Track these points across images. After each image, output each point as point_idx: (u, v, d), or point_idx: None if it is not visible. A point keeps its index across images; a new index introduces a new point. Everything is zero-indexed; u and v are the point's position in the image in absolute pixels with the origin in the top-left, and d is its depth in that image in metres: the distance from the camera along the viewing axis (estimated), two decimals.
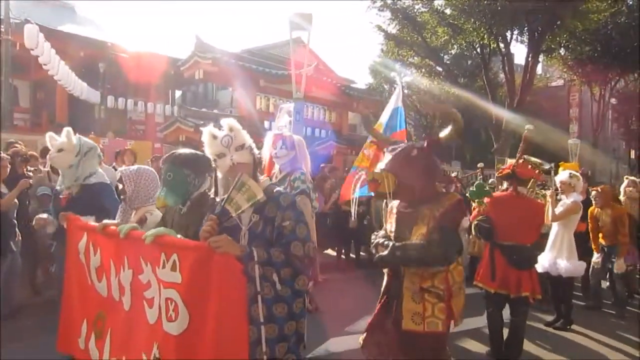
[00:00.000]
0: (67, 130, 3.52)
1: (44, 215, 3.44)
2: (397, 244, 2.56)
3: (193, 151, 2.63)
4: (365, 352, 2.79)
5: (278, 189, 2.34)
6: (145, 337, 2.14)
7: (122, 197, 3.05)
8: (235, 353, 1.93)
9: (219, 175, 2.37)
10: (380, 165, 2.68)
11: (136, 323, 2.24)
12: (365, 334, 2.82)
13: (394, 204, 2.79)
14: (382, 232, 2.85)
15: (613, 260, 5.70)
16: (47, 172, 5.78)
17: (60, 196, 3.47)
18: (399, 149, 2.67)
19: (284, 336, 2.14)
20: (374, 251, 2.73)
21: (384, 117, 5.35)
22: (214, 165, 2.38)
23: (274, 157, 3.93)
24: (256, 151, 2.39)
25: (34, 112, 17.47)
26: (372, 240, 2.81)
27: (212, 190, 2.48)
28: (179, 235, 2.21)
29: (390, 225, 2.76)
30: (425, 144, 2.71)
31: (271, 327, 2.11)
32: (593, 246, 5.88)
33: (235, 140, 2.28)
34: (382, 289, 2.81)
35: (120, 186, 3.03)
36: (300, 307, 2.22)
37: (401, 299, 2.58)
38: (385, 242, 2.62)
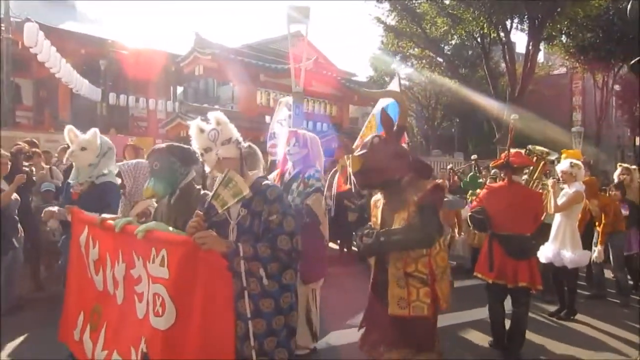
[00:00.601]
0: (94, 130, 3.56)
1: (54, 208, 3.48)
2: (380, 230, 2.62)
3: (175, 143, 2.67)
4: (364, 351, 2.83)
5: (266, 182, 2.34)
6: (135, 331, 2.18)
7: (121, 191, 3.08)
8: (221, 348, 1.96)
9: (207, 169, 2.39)
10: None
11: (127, 317, 2.28)
12: (362, 332, 2.87)
13: (378, 197, 2.85)
14: (368, 226, 2.89)
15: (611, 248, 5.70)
16: (49, 168, 5.83)
17: (72, 191, 3.52)
18: (362, 149, 2.74)
19: (273, 331, 2.15)
20: (359, 242, 2.77)
21: (377, 109, 5.33)
22: (200, 160, 2.39)
23: (287, 155, 3.90)
24: (244, 145, 2.39)
25: (37, 109, 17.56)
26: (358, 234, 2.86)
27: (200, 182, 2.50)
28: (170, 228, 2.23)
29: (376, 219, 2.81)
30: (383, 132, 2.78)
31: (259, 322, 2.12)
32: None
33: (222, 135, 2.29)
34: (371, 280, 2.86)
35: (119, 181, 3.06)
36: (288, 302, 2.21)
37: (387, 285, 2.63)
38: (369, 232, 2.68)
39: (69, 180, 3.67)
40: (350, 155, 2.65)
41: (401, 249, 2.60)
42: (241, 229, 2.22)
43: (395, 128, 2.76)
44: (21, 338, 4.17)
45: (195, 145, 2.36)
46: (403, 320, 2.58)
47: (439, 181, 2.77)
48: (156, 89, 18.54)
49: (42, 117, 17.01)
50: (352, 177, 2.65)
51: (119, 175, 3.03)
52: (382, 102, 5.41)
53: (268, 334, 2.13)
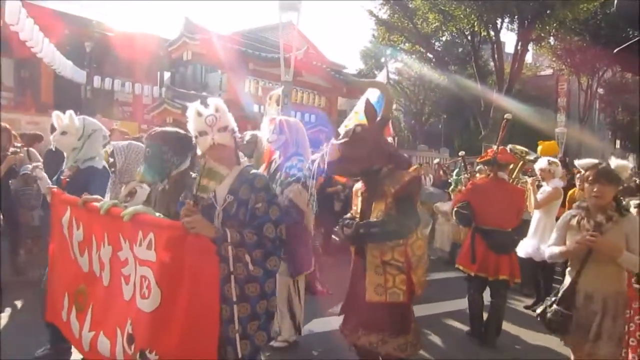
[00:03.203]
0: (69, 113, 3.45)
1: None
2: (360, 222, 2.70)
3: (176, 129, 2.62)
4: (344, 335, 2.91)
5: (254, 171, 2.37)
6: (121, 312, 2.18)
7: (112, 169, 3.05)
8: (206, 331, 1.97)
9: (199, 152, 2.39)
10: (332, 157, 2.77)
11: (114, 298, 2.27)
12: (342, 318, 2.95)
13: (359, 186, 2.92)
14: (349, 215, 2.97)
15: None
16: (26, 151, 5.72)
17: (62, 177, 3.45)
18: (342, 137, 2.79)
19: (256, 314, 2.19)
20: (339, 232, 2.87)
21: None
22: (194, 142, 2.39)
23: (268, 142, 3.83)
24: (238, 135, 2.41)
25: (18, 91, 17.14)
26: (339, 223, 2.92)
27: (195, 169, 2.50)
28: (158, 214, 2.23)
29: (357, 207, 2.89)
30: (366, 122, 2.82)
31: (243, 306, 2.15)
32: None
33: (219, 121, 2.29)
34: (351, 267, 2.93)
35: (111, 160, 3.03)
36: (271, 287, 2.26)
37: (365, 273, 2.71)
38: (350, 222, 2.76)
39: (63, 167, 3.60)
40: (330, 144, 2.69)
41: (379, 241, 2.67)
42: (227, 215, 2.24)
43: (378, 119, 2.79)
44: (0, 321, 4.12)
45: (191, 127, 2.34)
46: (380, 305, 2.67)
47: (415, 173, 2.84)
48: (143, 74, 18.21)
49: (23, 98, 16.63)
50: (327, 165, 2.71)
51: (112, 154, 2.99)
52: (369, 95, 5.42)
53: (251, 317, 2.17)
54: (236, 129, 2.39)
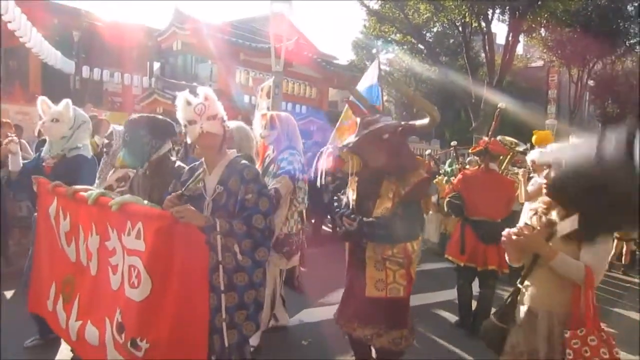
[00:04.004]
0: (66, 101, 3.45)
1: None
2: (365, 219, 2.62)
3: (152, 115, 2.67)
4: (340, 325, 2.93)
5: (244, 162, 2.36)
6: (109, 302, 2.18)
7: (105, 150, 3.05)
8: (196, 320, 1.99)
9: (189, 140, 2.38)
10: (350, 140, 2.73)
11: (101, 288, 2.27)
12: (338, 307, 2.95)
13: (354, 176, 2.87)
14: (344, 200, 2.91)
15: None
16: (18, 142, 5.65)
17: (44, 164, 3.43)
18: (371, 129, 2.69)
19: (244, 304, 2.19)
20: (337, 221, 2.79)
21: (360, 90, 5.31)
22: (184, 131, 2.39)
23: (261, 138, 3.84)
24: (227, 124, 2.41)
25: (6, 80, 16.87)
26: (335, 209, 2.88)
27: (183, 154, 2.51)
28: (145, 202, 2.23)
29: (352, 193, 2.84)
30: (399, 129, 2.71)
31: (231, 296, 2.16)
32: None
33: (208, 110, 2.29)
34: (347, 260, 2.92)
35: (106, 141, 3.04)
36: (260, 277, 2.25)
37: (364, 266, 2.70)
38: (352, 216, 2.69)
39: (42, 154, 3.58)
40: (352, 155, 2.62)
41: (383, 242, 2.64)
42: (216, 206, 2.25)
43: (406, 126, 2.71)
44: None
45: (180, 116, 2.34)
46: (379, 300, 2.67)
47: (425, 175, 2.80)
48: (132, 64, 18.02)
49: (11, 88, 16.39)
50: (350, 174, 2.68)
51: (108, 136, 3.00)
52: (363, 84, 5.41)
53: (239, 307, 2.18)
54: (225, 117, 2.39)
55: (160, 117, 2.62)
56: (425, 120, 2.63)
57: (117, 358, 2.08)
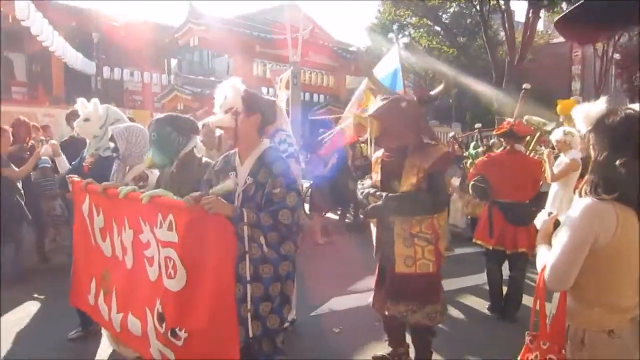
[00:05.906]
0: (94, 100, 3.52)
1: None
2: (390, 194, 2.69)
3: (174, 113, 2.75)
4: (375, 308, 2.99)
5: (276, 154, 2.35)
6: (148, 293, 2.24)
7: (114, 154, 3.10)
8: (227, 310, 2.02)
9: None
10: (369, 111, 2.81)
11: (138, 280, 2.34)
12: (373, 293, 3.01)
13: (379, 154, 2.93)
14: (367, 182, 2.97)
15: None
16: (40, 142, 5.81)
17: (84, 164, 3.52)
18: (390, 99, 2.78)
19: (269, 296, 2.19)
20: (364, 201, 2.84)
21: (379, 76, 5.23)
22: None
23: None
24: (241, 116, 2.35)
25: (31, 85, 17.31)
26: (360, 190, 2.93)
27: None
28: (174, 196, 2.26)
29: (377, 175, 2.90)
30: (415, 98, 2.82)
31: (257, 286, 2.16)
32: None
33: (226, 102, 2.33)
34: (374, 240, 2.95)
35: (112, 145, 3.08)
36: (286, 270, 2.24)
37: (393, 245, 2.75)
38: (378, 193, 2.76)
39: (83, 154, 3.66)
40: (372, 119, 2.68)
41: (410, 215, 2.70)
42: (245, 197, 2.26)
43: (428, 96, 2.84)
44: (30, 306, 4.28)
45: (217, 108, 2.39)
46: (410, 276, 2.72)
47: (446, 148, 2.87)
48: (150, 62, 18.24)
49: (36, 92, 16.80)
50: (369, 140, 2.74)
51: (112, 139, 3.03)
52: (382, 69, 5.31)
53: (264, 298, 2.18)
54: (240, 110, 2.33)
55: (182, 115, 2.67)
56: (438, 88, 2.76)
57: (160, 347, 2.15)
